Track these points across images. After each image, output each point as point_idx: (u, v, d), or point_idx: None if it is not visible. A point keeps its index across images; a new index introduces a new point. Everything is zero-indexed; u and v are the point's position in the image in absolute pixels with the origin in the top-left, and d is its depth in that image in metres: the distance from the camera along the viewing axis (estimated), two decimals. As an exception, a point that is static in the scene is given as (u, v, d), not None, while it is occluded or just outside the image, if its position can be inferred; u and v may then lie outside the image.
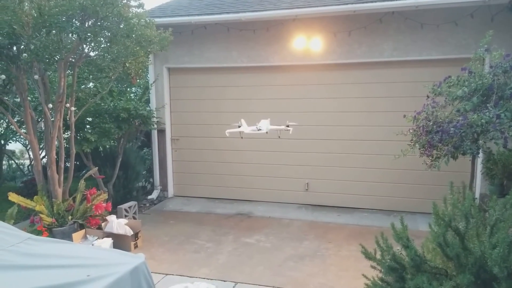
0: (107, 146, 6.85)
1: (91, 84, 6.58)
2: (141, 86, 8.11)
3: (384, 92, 6.67)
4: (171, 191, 8.05)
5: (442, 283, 2.46)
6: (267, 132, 5.08)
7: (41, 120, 6.56)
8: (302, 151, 7.19)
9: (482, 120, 3.85)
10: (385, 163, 6.68)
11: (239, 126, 5.15)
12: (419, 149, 4.42)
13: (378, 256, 3.00)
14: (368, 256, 3.04)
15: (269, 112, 7.19)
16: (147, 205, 7.55)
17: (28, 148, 8.45)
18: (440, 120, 4.22)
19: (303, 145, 7.15)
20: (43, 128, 5.86)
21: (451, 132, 4.01)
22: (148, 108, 7.28)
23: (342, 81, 6.90)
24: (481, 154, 5.09)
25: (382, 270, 3.00)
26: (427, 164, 4.46)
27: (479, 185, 6.13)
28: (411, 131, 4.52)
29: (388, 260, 2.82)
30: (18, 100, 6.25)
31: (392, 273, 2.82)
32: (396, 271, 2.79)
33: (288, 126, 5.19)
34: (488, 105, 4.05)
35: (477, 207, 2.83)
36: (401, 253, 2.84)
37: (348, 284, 4.28)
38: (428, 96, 4.59)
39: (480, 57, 4.38)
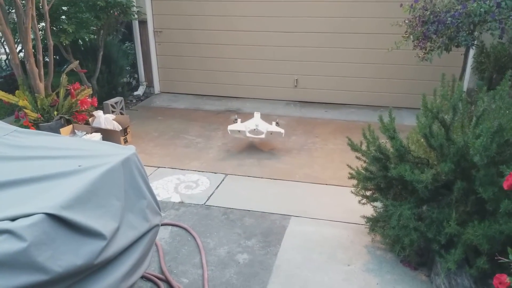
0: (87, 39, 6.47)
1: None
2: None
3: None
4: (157, 87, 7.91)
5: (423, 171, 2.57)
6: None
7: (11, 10, 6.08)
8: (292, 45, 6.93)
9: (481, 9, 3.68)
10: (373, 58, 6.55)
11: (235, 120, 5.25)
12: (413, 41, 4.29)
13: (364, 148, 3.09)
14: (354, 147, 3.13)
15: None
16: (134, 101, 7.47)
17: (2, 41, 7.95)
18: (438, 9, 4.02)
19: (293, 38, 6.86)
20: (16, 19, 5.44)
21: (447, 22, 3.85)
22: (127, -4, 6.73)
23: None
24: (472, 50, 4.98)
25: (367, 161, 3.13)
26: (419, 57, 4.38)
27: (467, 80, 6.13)
28: (406, 21, 4.33)
29: (373, 151, 2.90)
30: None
31: (376, 163, 2.93)
32: (380, 161, 2.90)
33: (277, 123, 5.19)
34: (490, -7, 3.84)
35: (465, 100, 2.84)
36: (385, 145, 2.93)
37: (333, 174, 4.49)
38: (427, -17, 4.29)
39: None
